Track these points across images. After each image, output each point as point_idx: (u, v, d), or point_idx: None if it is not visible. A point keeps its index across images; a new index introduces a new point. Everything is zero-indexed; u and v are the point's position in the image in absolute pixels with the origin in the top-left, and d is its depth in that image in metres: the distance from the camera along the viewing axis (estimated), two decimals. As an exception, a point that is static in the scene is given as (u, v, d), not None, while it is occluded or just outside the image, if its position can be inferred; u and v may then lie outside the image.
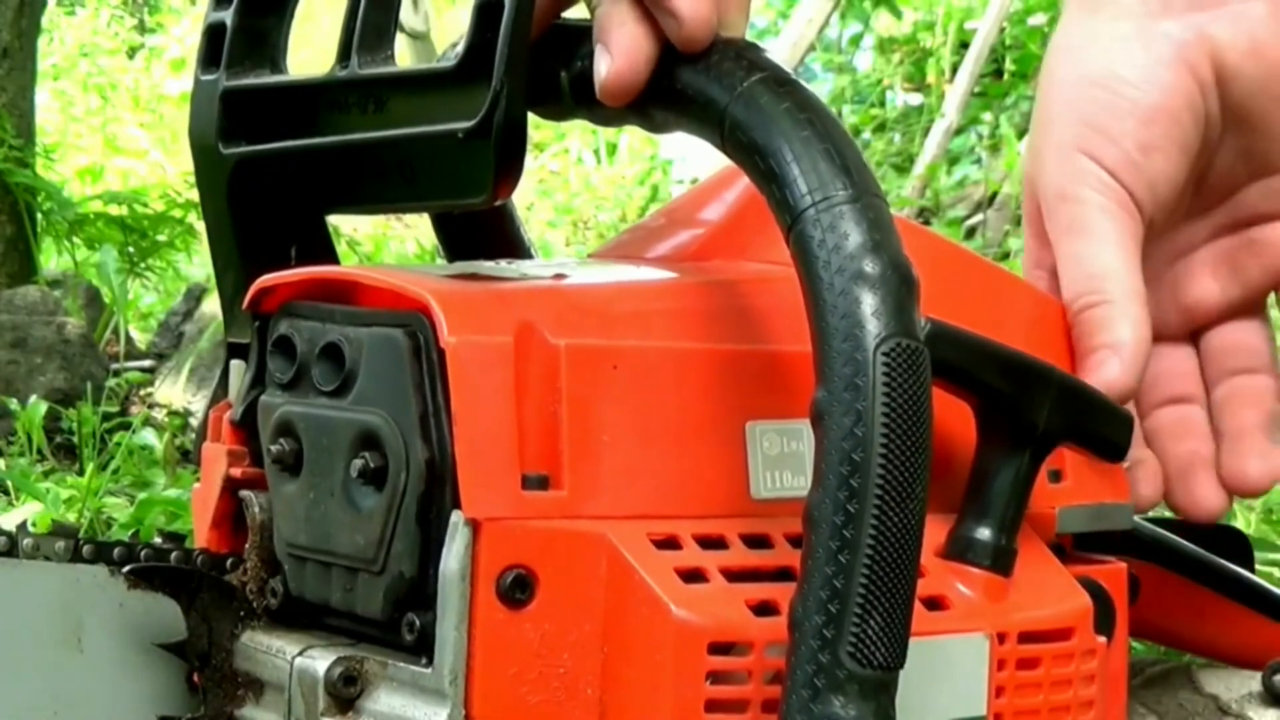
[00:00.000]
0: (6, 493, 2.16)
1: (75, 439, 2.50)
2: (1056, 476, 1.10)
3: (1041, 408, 0.98)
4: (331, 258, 1.05)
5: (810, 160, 0.85)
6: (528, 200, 5.89)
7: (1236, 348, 1.26)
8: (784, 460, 0.95)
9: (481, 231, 1.11)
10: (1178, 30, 1.18)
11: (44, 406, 2.50)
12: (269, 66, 1.04)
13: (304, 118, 1.00)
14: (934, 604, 0.94)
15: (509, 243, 1.12)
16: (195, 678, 0.99)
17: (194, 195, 3.38)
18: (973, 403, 0.98)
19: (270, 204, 1.03)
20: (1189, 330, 1.27)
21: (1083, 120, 1.19)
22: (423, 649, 0.89)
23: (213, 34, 1.05)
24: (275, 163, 1.02)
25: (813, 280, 0.84)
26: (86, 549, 0.99)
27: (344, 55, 0.96)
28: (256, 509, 1.00)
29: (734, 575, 0.90)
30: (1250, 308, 1.27)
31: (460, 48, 0.90)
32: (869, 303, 0.83)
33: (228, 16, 1.04)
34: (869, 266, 0.83)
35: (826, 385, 0.83)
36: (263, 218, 1.04)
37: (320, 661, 0.93)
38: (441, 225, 1.13)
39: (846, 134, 0.88)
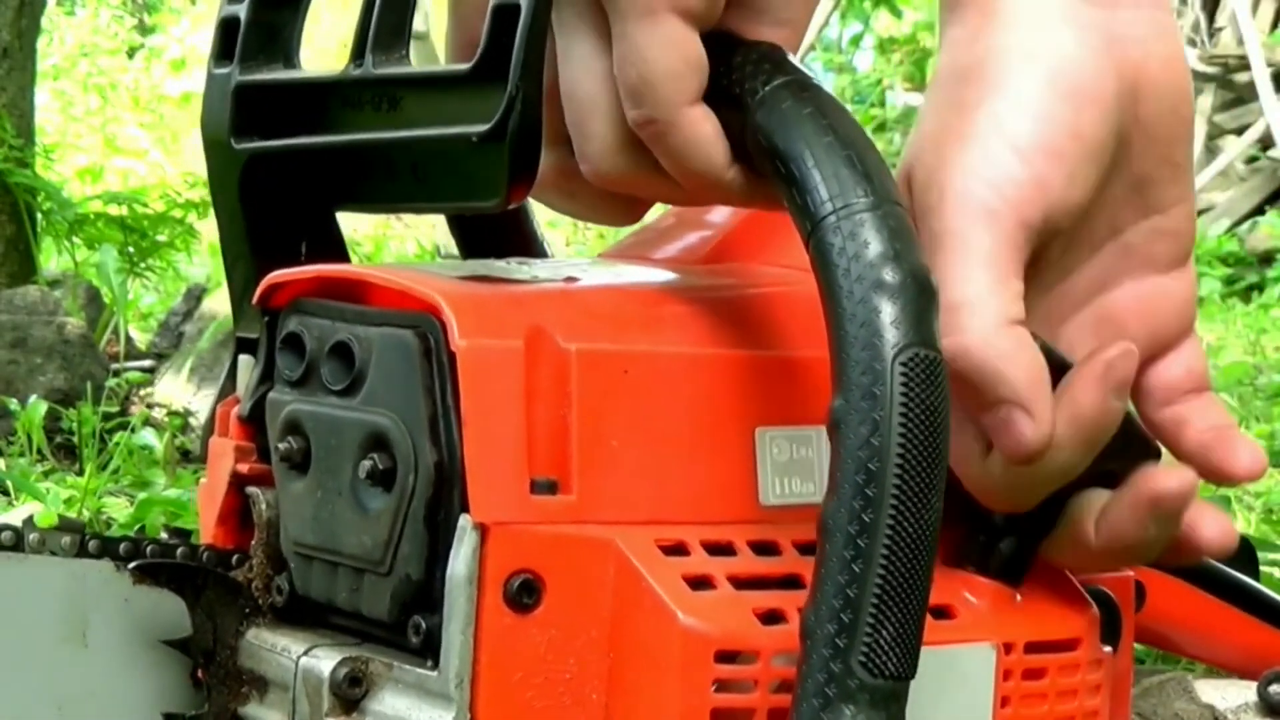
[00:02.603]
0: (6, 493, 2.16)
1: (75, 439, 2.50)
2: (1066, 484, 1.10)
3: None
4: (342, 254, 1.05)
5: (832, 166, 0.85)
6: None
7: None
8: (793, 466, 0.95)
9: (496, 229, 1.11)
10: (1107, 21, 0.98)
11: (44, 406, 2.50)
12: (282, 61, 1.03)
13: (317, 114, 0.99)
14: (941, 613, 0.94)
15: (524, 241, 1.12)
16: (200, 674, 0.99)
17: (194, 195, 3.41)
18: None
19: (282, 199, 1.03)
20: None
21: (979, 72, 0.98)
22: (429, 651, 0.89)
23: (226, 27, 1.04)
24: (288, 159, 1.02)
25: (832, 288, 0.84)
26: (92, 544, 0.99)
27: (358, 53, 0.96)
28: (263, 506, 1.00)
29: (742, 583, 0.89)
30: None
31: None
32: (888, 312, 0.82)
33: (242, 10, 1.03)
34: (889, 275, 0.83)
35: (844, 394, 0.82)
36: (274, 213, 1.04)
37: (325, 661, 0.92)
38: (456, 222, 1.12)
39: (869, 140, 0.88)
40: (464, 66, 0.90)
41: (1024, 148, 0.95)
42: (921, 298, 0.83)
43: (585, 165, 0.93)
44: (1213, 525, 1.00)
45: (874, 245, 0.83)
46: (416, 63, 0.97)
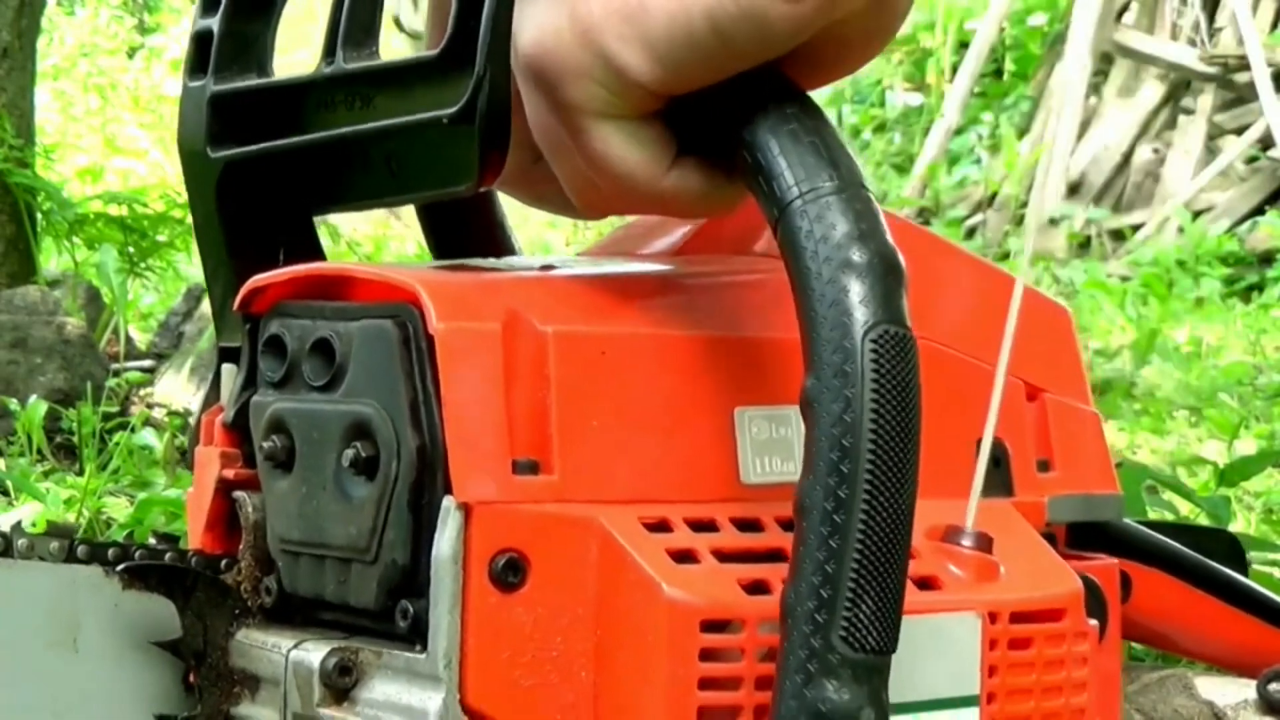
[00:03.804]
0: (6, 493, 2.16)
1: (75, 439, 2.50)
2: (1045, 466, 1.10)
3: None
4: (319, 257, 1.06)
5: (797, 153, 0.86)
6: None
7: None
8: (773, 445, 0.95)
9: (469, 231, 1.12)
10: None
11: (44, 406, 2.51)
12: (256, 70, 1.04)
13: (291, 118, 1.00)
14: (925, 584, 0.94)
15: (496, 241, 1.13)
16: (191, 676, 0.99)
17: (194, 195, 3.40)
18: None
19: (259, 205, 1.04)
20: None
21: None
22: (416, 636, 0.90)
23: (200, 41, 1.05)
24: (263, 164, 1.02)
25: (800, 269, 0.85)
26: (81, 549, 0.99)
27: (329, 52, 0.97)
28: (250, 509, 1.00)
29: (725, 556, 0.90)
30: None
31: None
32: (856, 290, 0.83)
33: (214, 23, 1.05)
34: (856, 255, 0.84)
35: (815, 372, 0.83)
36: (252, 220, 1.05)
37: (315, 653, 0.93)
38: (430, 225, 1.13)
39: (833, 128, 0.89)
40: (431, 54, 0.91)
41: None
42: (890, 276, 0.84)
43: (565, 188, 0.95)
44: None
45: (841, 226, 0.84)
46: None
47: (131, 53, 8.76)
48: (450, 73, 0.90)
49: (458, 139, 0.90)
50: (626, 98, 0.88)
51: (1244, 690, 1.39)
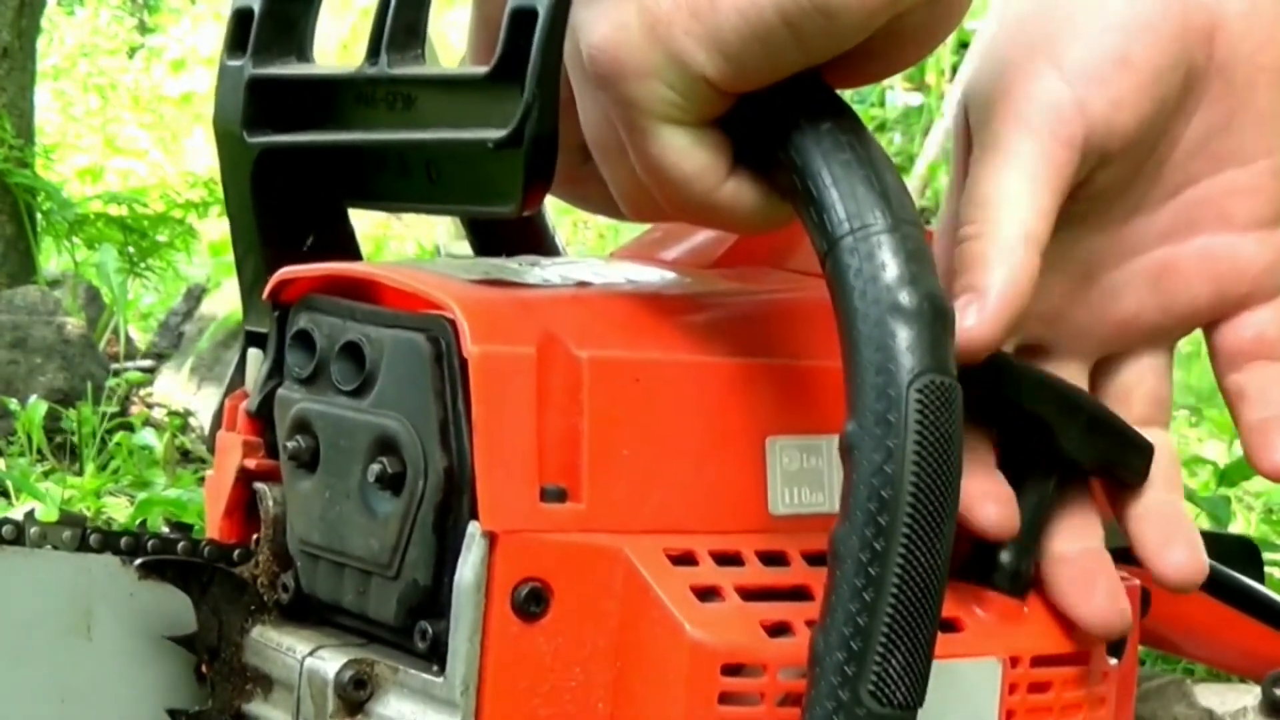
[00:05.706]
0: (6, 494, 2.16)
1: (75, 439, 2.50)
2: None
3: (1070, 435, 0.97)
4: (354, 250, 1.04)
5: (850, 185, 0.84)
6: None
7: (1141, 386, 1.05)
8: (803, 476, 0.94)
9: (510, 226, 1.10)
10: None
11: (44, 406, 2.51)
12: (295, 54, 1.02)
13: (331, 110, 0.99)
14: (948, 626, 0.93)
15: (538, 239, 1.11)
16: (204, 670, 0.99)
17: (194, 195, 3.40)
18: (1000, 426, 0.97)
19: (293, 194, 1.02)
20: (1122, 352, 1.05)
21: (1044, 13, 1.01)
22: (435, 656, 0.89)
23: (240, 18, 1.03)
24: (301, 153, 1.01)
25: (847, 310, 0.83)
26: (95, 538, 0.98)
27: (373, 52, 0.95)
28: (270, 502, 0.99)
29: (749, 594, 0.89)
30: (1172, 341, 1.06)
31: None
32: (904, 337, 0.82)
33: (256, 2, 1.03)
34: (905, 299, 0.82)
35: (857, 419, 0.82)
36: (286, 207, 1.03)
37: (331, 663, 0.92)
38: (471, 224, 1.12)
39: (888, 159, 0.87)
40: (480, 70, 0.89)
41: (1068, 71, 0.97)
42: (937, 323, 0.82)
43: (614, 193, 0.93)
44: (1178, 559, 1.02)
45: (891, 268, 0.82)
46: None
47: (131, 53, 8.72)
48: (498, 92, 0.88)
49: (502, 162, 0.88)
50: (692, 98, 0.86)
51: (1243, 697, 1.38)
